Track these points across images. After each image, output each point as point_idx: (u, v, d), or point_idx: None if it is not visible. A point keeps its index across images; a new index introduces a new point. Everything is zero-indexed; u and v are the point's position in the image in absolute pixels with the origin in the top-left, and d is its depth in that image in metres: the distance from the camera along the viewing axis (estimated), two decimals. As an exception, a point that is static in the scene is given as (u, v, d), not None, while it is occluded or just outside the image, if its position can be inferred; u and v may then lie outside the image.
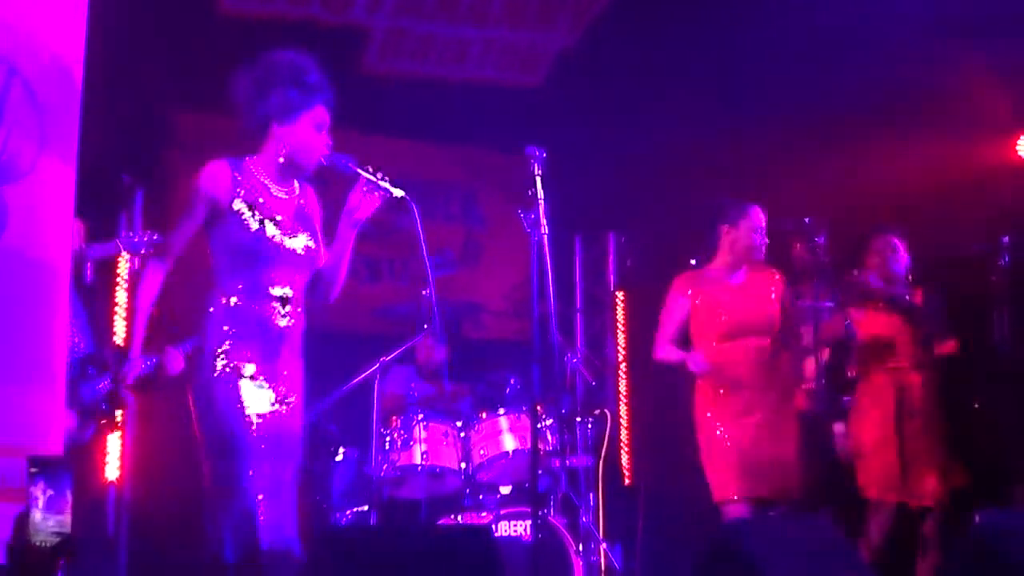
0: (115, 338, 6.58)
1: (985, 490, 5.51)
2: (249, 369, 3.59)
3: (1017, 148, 7.05)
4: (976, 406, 6.18)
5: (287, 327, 3.69)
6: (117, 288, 6.66)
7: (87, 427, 5.27)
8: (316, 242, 3.81)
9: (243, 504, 3.47)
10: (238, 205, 3.64)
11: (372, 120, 7.50)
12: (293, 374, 3.72)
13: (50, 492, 3.40)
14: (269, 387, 3.62)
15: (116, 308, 6.66)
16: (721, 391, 5.15)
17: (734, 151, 7.05)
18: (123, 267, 6.66)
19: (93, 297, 6.24)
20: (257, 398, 3.58)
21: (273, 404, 3.62)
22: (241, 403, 3.55)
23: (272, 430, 3.59)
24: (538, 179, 4.12)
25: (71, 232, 4.39)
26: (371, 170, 3.84)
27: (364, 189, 3.83)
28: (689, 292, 5.27)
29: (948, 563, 3.84)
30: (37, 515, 3.33)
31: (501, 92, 7.67)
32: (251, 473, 3.49)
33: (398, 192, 3.85)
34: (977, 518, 3.79)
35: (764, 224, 5.22)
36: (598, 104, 7.39)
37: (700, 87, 6.82)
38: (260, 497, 3.49)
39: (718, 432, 5.12)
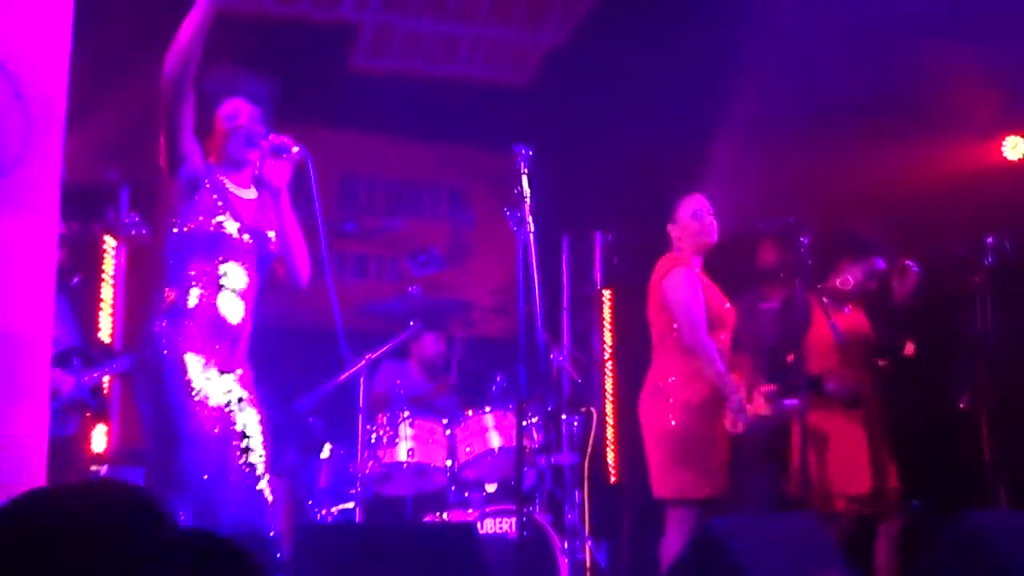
0: (100, 333, 6.57)
1: (968, 490, 5.54)
2: (198, 361, 3.58)
3: (1002, 149, 7.10)
4: (961, 406, 6.20)
5: (238, 324, 3.69)
6: (103, 283, 6.65)
7: (70, 420, 5.25)
8: (273, 239, 3.82)
9: (198, 494, 3.47)
10: (205, 192, 3.68)
11: (360, 117, 7.52)
12: (245, 370, 3.72)
13: None
14: (220, 378, 3.61)
15: (101, 303, 6.65)
16: (693, 385, 5.00)
17: (720, 150, 7.07)
18: (108, 263, 6.65)
19: (77, 290, 6.24)
20: (207, 389, 3.57)
21: (226, 394, 3.61)
22: (190, 394, 3.53)
23: (226, 420, 3.58)
24: (525, 177, 4.13)
25: (57, 230, 4.38)
26: (272, 137, 3.86)
27: (271, 157, 3.86)
28: (694, 271, 5.10)
29: (930, 562, 3.85)
30: None
31: (489, 90, 7.68)
32: (203, 460, 3.49)
33: (295, 148, 3.84)
34: (959, 518, 3.82)
35: (707, 207, 5.12)
36: (586, 103, 7.40)
37: (687, 87, 6.83)
38: (215, 485, 3.49)
39: (672, 423, 5.00)
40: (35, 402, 4.12)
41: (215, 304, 3.65)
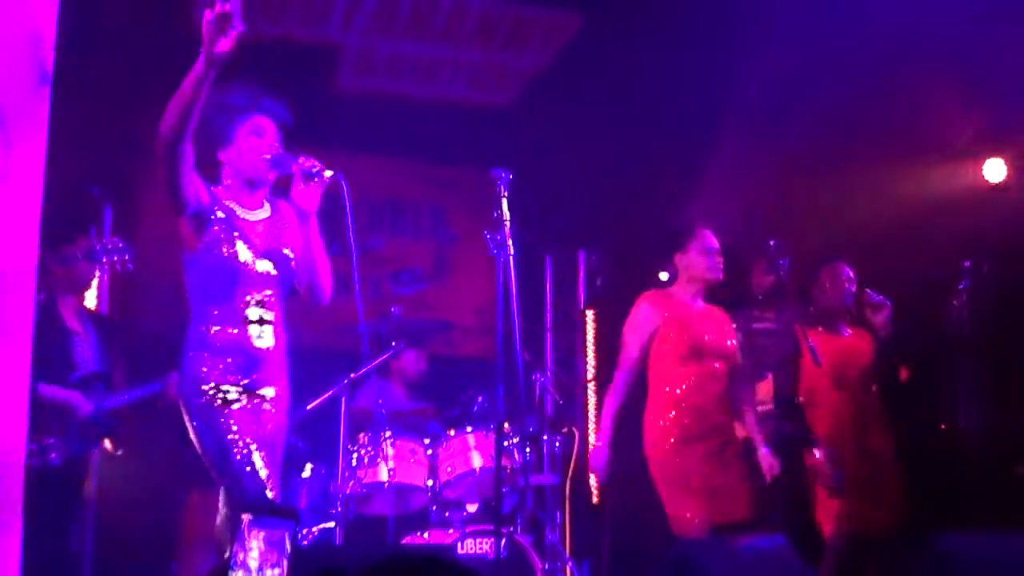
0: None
1: (947, 513, 5.55)
2: (232, 393, 3.62)
3: (983, 172, 7.13)
4: (943, 427, 6.24)
5: (267, 349, 3.70)
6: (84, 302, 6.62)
7: (83, 441, 5.25)
8: (292, 257, 3.82)
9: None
10: (215, 223, 3.68)
11: (345, 137, 7.53)
12: (280, 392, 3.74)
13: (264, 534, 3.30)
14: (251, 405, 3.63)
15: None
16: (673, 413, 5.00)
17: (702, 172, 7.10)
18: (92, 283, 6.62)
19: (107, 317, 6.25)
20: (243, 419, 3.61)
21: (258, 421, 3.65)
22: (232, 429, 3.58)
23: (262, 438, 3.64)
24: (504, 201, 4.15)
25: (37, 247, 4.37)
26: (302, 160, 3.83)
27: (302, 181, 3.83)
28: (658, 307, 5.10)
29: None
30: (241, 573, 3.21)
31: (473, 111, 7.71)
32: (259, 483, 3.54)
33: (328, 172, 3.81)
34: (935, 541, 3.83)
35: (716, 245, 5.10)
36: (569, 123, 7.43)
37: (668, 109, 6.87)
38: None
39: (668, 453, 4.99)
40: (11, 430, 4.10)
41: (240, 333, 3.66)
